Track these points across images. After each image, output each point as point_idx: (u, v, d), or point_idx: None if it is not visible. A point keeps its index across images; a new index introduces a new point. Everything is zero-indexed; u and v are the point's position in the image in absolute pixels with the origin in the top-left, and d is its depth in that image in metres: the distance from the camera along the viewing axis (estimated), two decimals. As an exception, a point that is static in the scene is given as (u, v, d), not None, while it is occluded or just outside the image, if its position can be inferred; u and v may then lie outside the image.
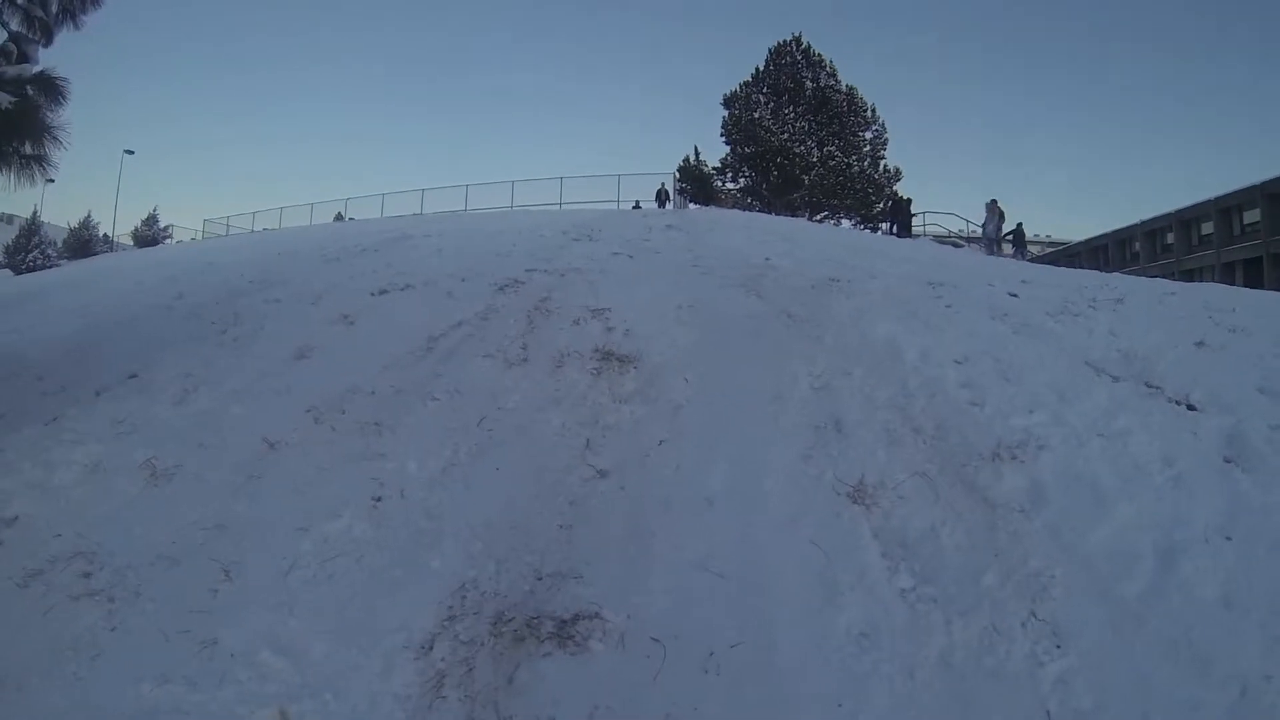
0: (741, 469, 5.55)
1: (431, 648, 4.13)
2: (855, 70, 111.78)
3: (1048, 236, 52.43)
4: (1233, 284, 22.95)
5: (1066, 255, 48.55)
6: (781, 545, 4.77)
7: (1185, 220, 44.38)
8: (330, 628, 4.26)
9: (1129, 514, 4.64)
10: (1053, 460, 5.23)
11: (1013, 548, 4.51)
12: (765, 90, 33.49)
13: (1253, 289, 11.29)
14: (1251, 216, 40.03)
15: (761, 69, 33.97)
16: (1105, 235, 51.54)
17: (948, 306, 8.49)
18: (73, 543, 5.00)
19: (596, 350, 7.50)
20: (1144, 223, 47.64)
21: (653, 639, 4.08)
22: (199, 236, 44.27)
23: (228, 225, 44.32)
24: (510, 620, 4.28)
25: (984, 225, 23.34)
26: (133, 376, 7.76)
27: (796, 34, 34.12)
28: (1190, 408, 5.78)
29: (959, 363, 6.73)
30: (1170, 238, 45.64)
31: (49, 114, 7.94)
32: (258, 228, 39.94)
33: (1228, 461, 5.09)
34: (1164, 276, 12.23)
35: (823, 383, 6.66)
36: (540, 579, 4.61)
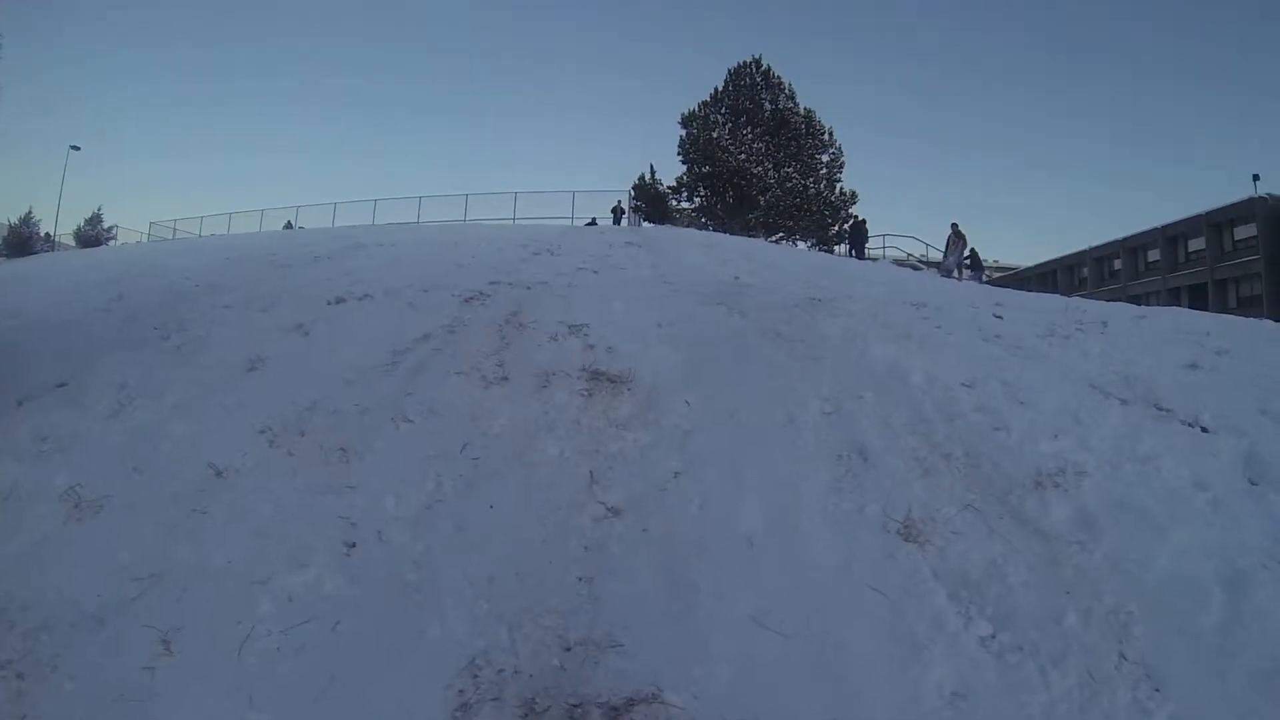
0: (773, 504, 4.69)
1: (445, 750, 3.07)
2: (814, 94, 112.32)
3: (996, 261, 53.06)
4: (1174, 307, 23.11)
5: (1016, 279, 49.29)
6: (840, 593, 3.98)
7: (1132, 248, 45.84)
8: (305, 722, 3.17)
9: (1183, 541, 4.19)
10: (1094, 487, 4.68)
11: (1081, 583, 3.95)
12: (724, 110, 33.35)
13: (1196, 311, 11.31)
14: (1196, 244, 41.87)
15: (720, 89, 33.81)
16: (1054, 260, 52.83)
17: (937, 328, 7.87)
18: (-26, 593, 3.80)
19: (584, 370, 6.50)
20: (1093, 249, 48.89)
21: None
22: (144, 238, 41.93)
23: (174, 229, 42.43)
24: (545, 710, 3.25)
25: (946, 250, 23.15)
26: (61, 385, 6.46)
27: (756, 56, 34.06)
28: (1204, 430, 5.42)
29: (967, 386, 6.11)
30: (1118, 264, 46.77)
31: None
32: (205, 232, 38.09)
33: (1254, 484, 4.76)
34: (1111, 301, 12.04)
35: (833, 406, 5.87)
36: (569, 649, 3.60)
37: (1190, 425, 5.43)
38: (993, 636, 3.66)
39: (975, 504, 4.60)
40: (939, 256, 25.73)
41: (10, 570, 4.03)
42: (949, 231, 23.16)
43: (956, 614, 3.80)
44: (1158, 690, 3.33)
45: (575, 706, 3.27)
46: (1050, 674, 3.45)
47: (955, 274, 22.30)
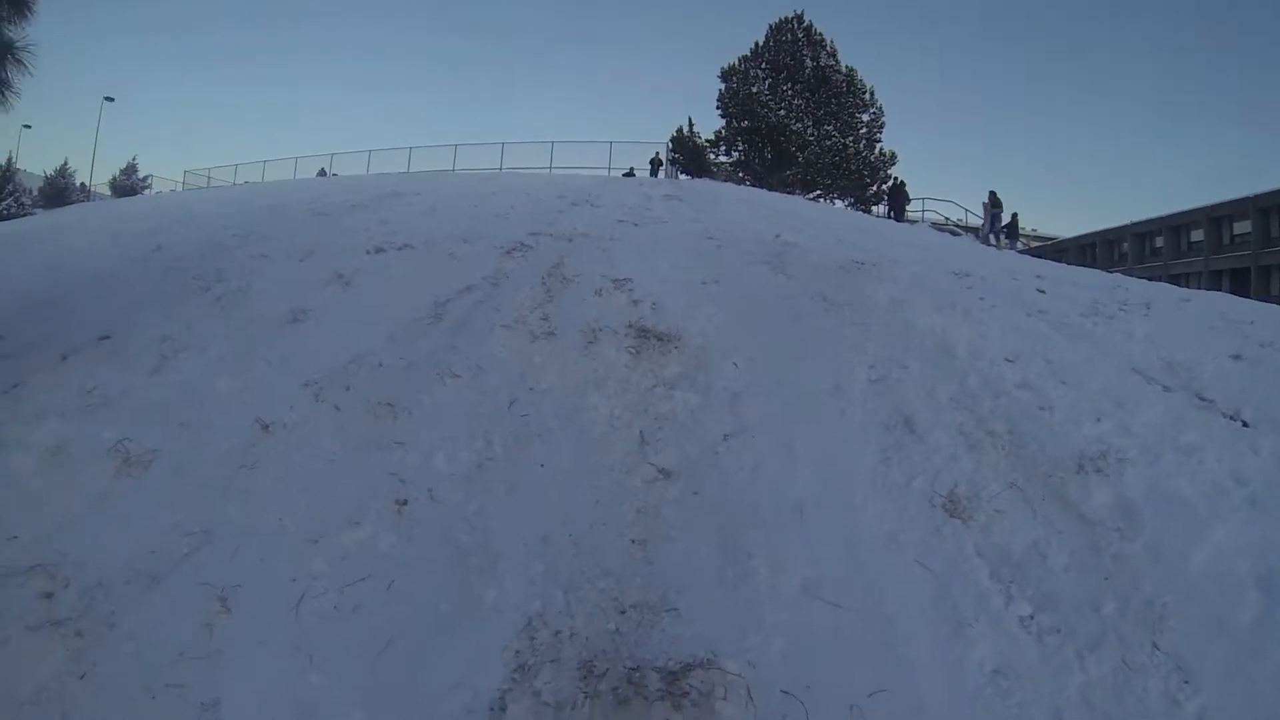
0: (822, 472, 4.68)
1: (504, 709, 3.09)
2: (855, 52, 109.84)
3: (1034, 230, 51.96)
4: (1219, 291, 22.49)
5: (1054, 250, 47.88)
6: (888, 565, 4.00)
7: (1175, 226, 44.38)
8: (365, 683, 3.20)
9: (1222, 536, 4.09)
10: (1136, 475, 4.61)
11: (1120, 571, 3.91)
12: (764, 66, 32.34)
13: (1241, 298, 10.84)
14: (1242, 227, 40.22)
15: (761, 44, 32.75)
16: (1094, 234, 51.33)
17: (981, 299, 7.68)
18: (31, 550, 3.83)
19: (630, 326, 6.44)
20: (1134, 224, 47.51)
21: (784, 692, 3.20)
22: (179, 188, 41.87)
23: (209, 177, 42.18)
24: (604, 673, 3.25)
25: (988, 215, 22.79)
26: (104, 338, 6.48)
27: (799, 11, 32.86)
28: (1244, 424, 5.23)
29: (1010, 361, 6.03)
30: (1159, 241, 45.55)
31: (8, 28, 6.54)
32: (240, 181, 37.90)
33: None
34: (1151, 279, 11.68)
35: (879, 374, 5.82)
36: (624, 613, 3.60)
37: (1232, 419, 5.27)
38: (1032, 617, 3.68)
39: (1019, 483, 4.59)
40: (977, 223, 25.29)
41: (62, 527, 4.05)
42: (985, 199, 22.80)
43: (999, 593, 3.82)
44: (1187, 683, 3.33)
45: (633, 670, 3.27)
46: (1087, 658, 3.47)
47: (992, 241, 21.94)
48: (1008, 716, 3.20)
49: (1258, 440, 4.96)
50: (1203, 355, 6.23)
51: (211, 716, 2.98)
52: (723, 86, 32.12)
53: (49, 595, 3.57)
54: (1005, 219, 23.11)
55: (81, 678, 3.17)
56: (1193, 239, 43.39)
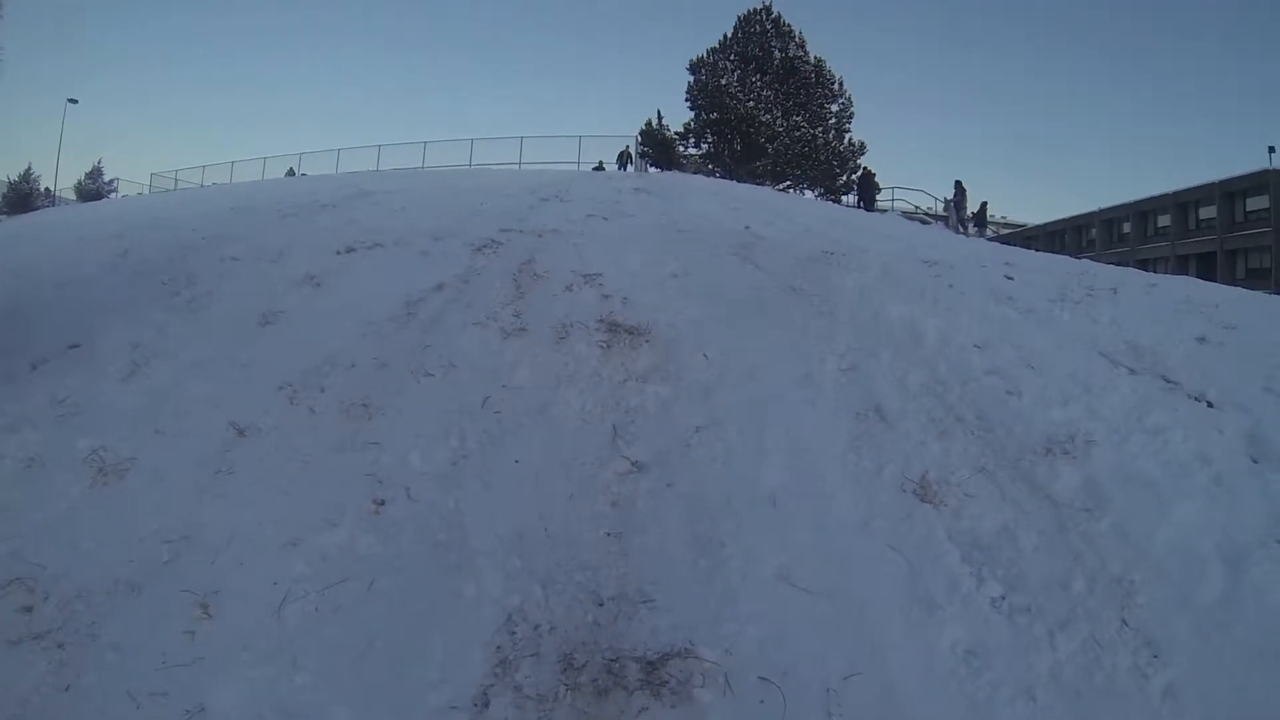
0: (794, 461, 4.76)
1: (488, 704, 3.17)
2: (823, 42, 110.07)
3: (1004, 217, 52.39)
4: (1185, 275, 22.83)
5: (1024, 237, 48.54)
6: (860, 551, 4.08)
7: (1143, 211, 45.11)
8: (350, 683, 3.25)
9: (1187, 515, 4.24)
10: (1103, 456, 4.75)
11: (1088, 551, 4.04)
12: (733, 58, 32.61)
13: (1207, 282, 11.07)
14: (1207, 212, 41.04)
15: (729, 36, 33.03)
16: (1063, 220, 52.04)
17: (950, 286, 7.77)
18: (8, 563, 3.85)
19: (601, 321, 6.48)
20: (1102, 211, 48.15)
21: (761, 678, 3.30)
22: (146, 190, 41.46)
23: (176, 179, 41.82)
24: (584, 665, 3.34)
25: (954, 205, 23.07)
26: (74, 346, 6.44)
27: (767, 3, 33.14)
28: (1209, 405, 5.39)
29: (979, 347, 6.12)
30: (1127, 227, 46.13)
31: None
32: (207, 182, 37.57)
33: (1255, 461, 4.74)
34: (1120, 264, 11.93)
35: (849, 364, 5.91)
36: (601, 605, 3.68)
37: (1197, 399, 5.42)
38: (1003, 598, 3.79)
39: (988, 467, 4.69)
40: (945, 211, 25.62)
41: (40, 539, 4.07)
42: (955, 190, 23.10)
43: (970, 575, 3.92)
44: (1156, 657, 3.44)
45: (612, 661, 3.36)
46: (1057, 636, 3.57)
47: (961, 227, 22.20)
48: (980, 696, 3.29)
49: (1222, 420, 5.10)
50: (1169, 338, 6.35)
51: (197, 722, 3.02)
52: (691, 79, 32.28)
53: (29, 609, 3.59)
54: (974, 207, 23.41)
55: (66, 689, 3.20)
56: (1160, 224, 44.16)
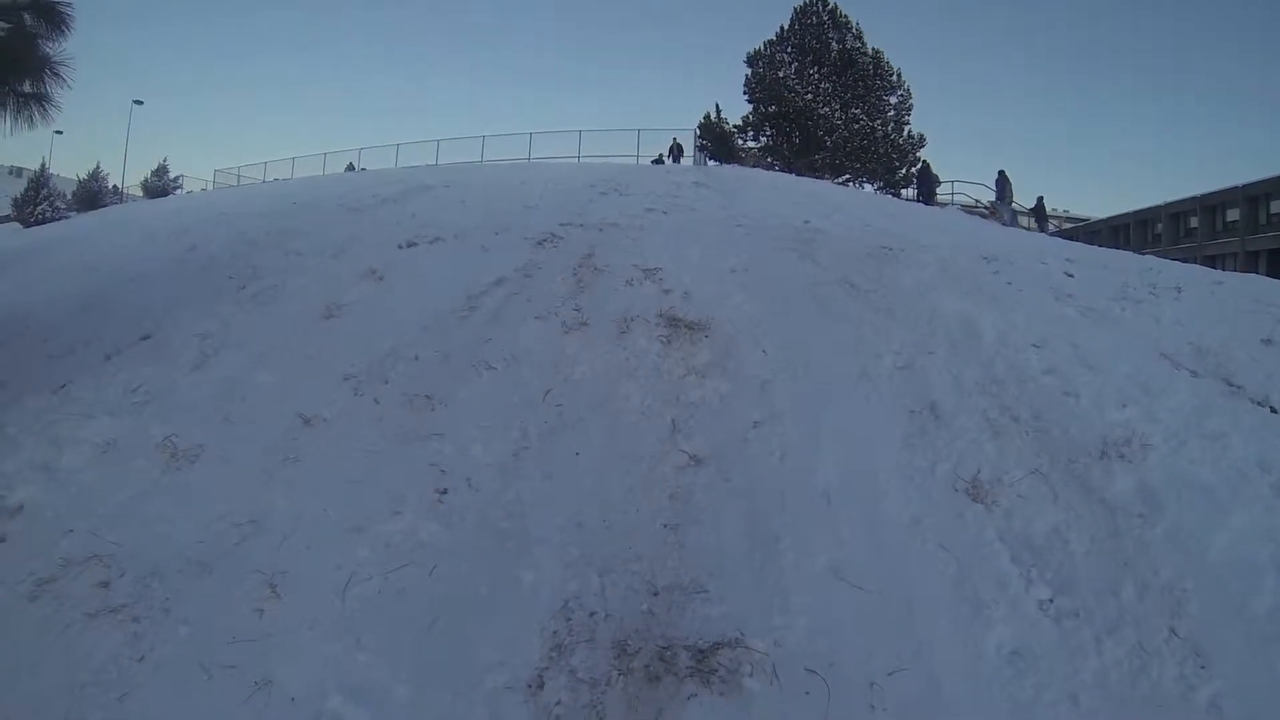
0: (848, 458, 4.78)
1: (542, 685, 3.29)
2: (882, 34, 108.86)
3: (1066, 211, 51.09)
4: (1255, 273, 22.05)
5: (1087, 232, 47.16)
6: (911, 549, 4.11)
7: (1210, 205, 43.24)
8: (411, 662, 3.39)
9: (1244, 523, 4.15)
10: (1160, 461, 4.66)
11: (1140, 557, 3.98)
12: (790, 50, 32.20)
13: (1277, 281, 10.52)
14: (1278, 206, 39.09)
15: (786, 28, 32.61)
16: (1127, 214, 50.29)
17: (1008, 283, 7.67)
18: (87, 541, 4.09)
19: (661, 315, 6.57)
20: (1168, 204, 46.48)
21: (808, 670, 3.36)
22: (210, 187, 42.62)
23: (239, 175, 42.87)
24: (637, 652, 3.43)
25: (997, 195, 22.65)
26: (145, 338, 6.77)
27: None
28: (1273, 410, 5.26)
29: (1037, 346, 6.04)
30: (1194, 221, 44.58)
31: (48, 45, 6.80)
32: (269, 178, 38.40)
33: None
34: (1185, 260, 11.48)
35: (905, 361, 5.89)
36: (656, 594, 3.77)
37: (1260, 404, 5.30)
38: (1051, 601, 3.77)
39: (1042, 469, 4.64)
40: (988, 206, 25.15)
41: (117, 519, 4.30)
42: (999, 182, 22.67)
43: (1019, 576, 3.91)
44: (1204, 668, 3.39)
45: (665, 649, 3.44)
46: (1104, 642, 3.55)
47: (1006, 219, 21.75)
48: (1024, 698, 3.31)
49: (1287, 427, 5.00)
50: (1233, 340, 6.20)
51: (265, 694, 3.18)
52: (749, 71, 32.08)
53: (105, 584, 3.81)
54: (1030, 203, 22.93)
55: (140, 660, 3.39)
56: (1228, 219, 42.21)
